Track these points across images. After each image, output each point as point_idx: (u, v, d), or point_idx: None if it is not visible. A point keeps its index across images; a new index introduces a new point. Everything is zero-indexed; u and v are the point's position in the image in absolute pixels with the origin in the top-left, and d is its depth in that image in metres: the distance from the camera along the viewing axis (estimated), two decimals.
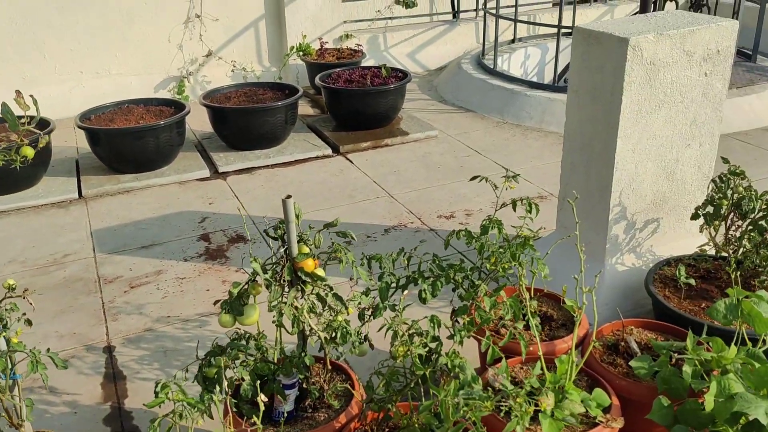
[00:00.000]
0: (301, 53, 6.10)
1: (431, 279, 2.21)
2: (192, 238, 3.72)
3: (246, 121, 4.66)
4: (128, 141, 4.31)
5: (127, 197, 4.24)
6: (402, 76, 5.24)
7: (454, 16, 7.35)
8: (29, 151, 1.55)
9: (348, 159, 4.74)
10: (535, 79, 6.72)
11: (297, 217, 1.84)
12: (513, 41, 6.88)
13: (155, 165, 4.48)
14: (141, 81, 5.93)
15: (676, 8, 5.90)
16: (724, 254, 2.71)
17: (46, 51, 5.61)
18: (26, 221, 3.97)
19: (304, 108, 5.78)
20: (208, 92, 4.97)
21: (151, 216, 3.99)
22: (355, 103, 5.02)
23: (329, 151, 4.84)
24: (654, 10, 5.62)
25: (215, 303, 2.00)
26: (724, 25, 2.70)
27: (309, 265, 1.81)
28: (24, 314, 1.77)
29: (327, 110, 5.32)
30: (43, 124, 4.35)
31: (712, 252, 2.80)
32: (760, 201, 2.57)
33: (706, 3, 5.58)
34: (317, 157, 4.78)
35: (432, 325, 1.82)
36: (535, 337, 2.01)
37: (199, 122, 5.28)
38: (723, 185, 2.62)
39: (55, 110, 5.47)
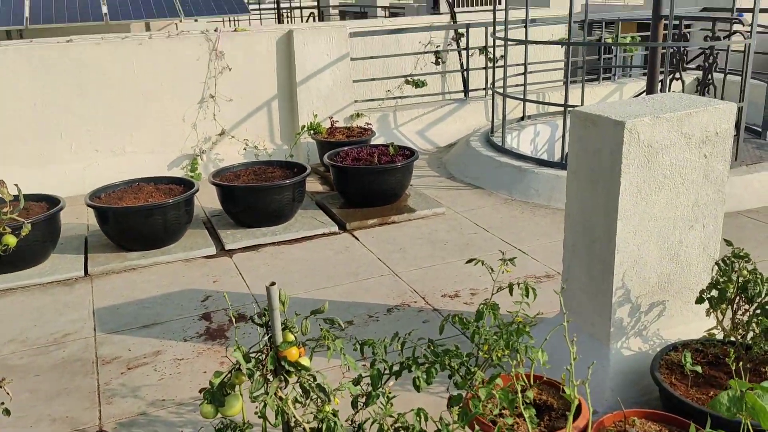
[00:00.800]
0: (312, 132, 6.21)
1: (426, 365, 2.15)
2: (193, 317, 3.69)
3: (254, 199, 4.70)
4: (136, 219, 4.35)
5: (133, 275, 4.25)
6: (409, 154, 5.29)
7: (465, 95, 7.48)
8: (11, 240, 1.56)
9: (354, 236, 4.74)
10: (545, 156, 6.76)
11: (282, 303, 1.81)
12: (522, 118, 6.96)
13: (163, 242, 4.50)
14: (155, 159, 6.05)
15: (683, 87, 5.95)
16: (733, 339, 2.62)
17: (63, 131, 5.76)
18: (31, 299, 3.98)
19: (314, 185, 5.84)
20: (217, 170, 5.04)
21: (154, 294, 3.98)
22: (363, 181, 5.06)
23: (336, 228, 4.84)
24: (661, 88, 5.67)
25: (200, 391, 1.96)
26: (722, 108, 2.70)
27: (293, 354, 1.77)
28: (2, 403, 1.73)
29: (335, 188, 5.36)
30: (53, 201, 4.43)
31: (721, 336, 2.71)
32: (766, 284, 2.50)
33: (712, 82, 5.64)
34: (324, 234, 4.78)
35: (418, 419, 1.75)
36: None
37: (210, 199, 5.34)
38: (727, 268, 2.56)
39: (69, 187, 5.61)
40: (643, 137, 2.58)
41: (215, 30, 6.14)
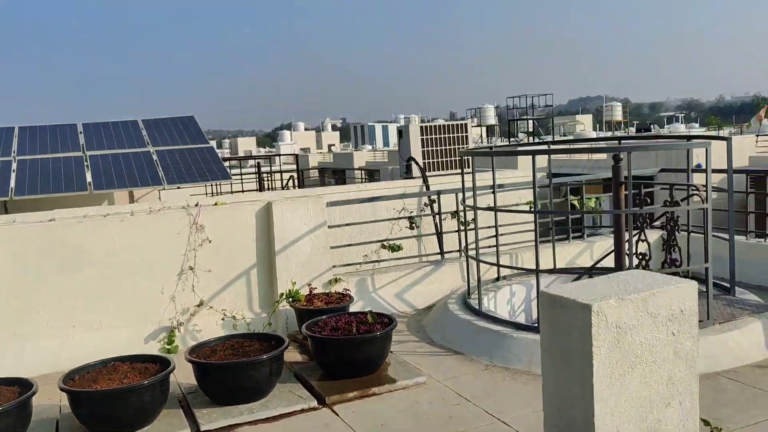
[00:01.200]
0: (290, 299, 6.25)
1: None
2: None
3: (230, 376, 4.64)
4: (110, 403, 4.25)
5: None
6: (387, 321, 5.31)
7: (441, 257, 7.64)
8: None
9: (333, 411, 4.64)
10: (522, 316, 6.83)
11: None
12: (498, 279, 7.10)
13: (136, 426, 4.36)
14: (132, 332, 5.99)
15: (649, 246, 6.18)
16: None
17: (40, 307, 5.74)
18: None
19: (293, 354, 5.78)
20: (194, 347, 5.00)
21: None
22: (341, 351, 5.04)
23: (315, 403, 4.75)
24: (628, 248, 5.88)
25: None
26: (683, 287, 2.82)
27: None
28: None
29: (314, 358, 5.31)
30: (26, 385, 4.33)
31: None
32: None
33: (677, 243, 5.87)
34: (302, 410, 4.67)
35: None
36: None
37: (186, 374, 5.22)
38: None
39: (44, 365, 5.50)
40: (610, 319, 2.66)
41: (196, 204, 6.34)
